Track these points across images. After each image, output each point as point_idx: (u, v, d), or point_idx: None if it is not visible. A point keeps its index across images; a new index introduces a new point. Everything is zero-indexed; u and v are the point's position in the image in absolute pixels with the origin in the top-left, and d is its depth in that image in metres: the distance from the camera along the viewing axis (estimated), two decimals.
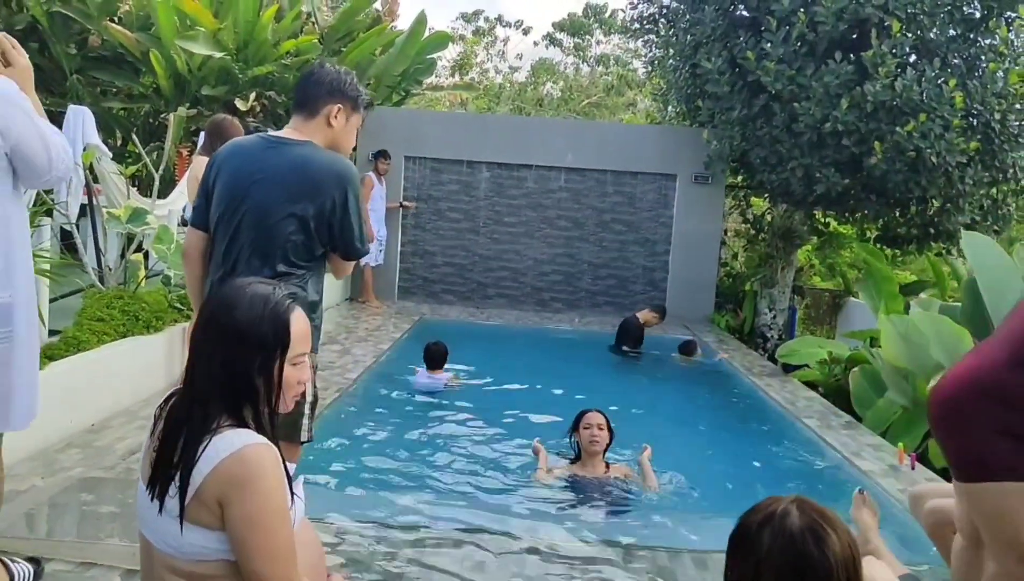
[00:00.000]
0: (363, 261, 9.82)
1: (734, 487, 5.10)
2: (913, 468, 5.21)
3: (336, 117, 2.85)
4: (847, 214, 11.06)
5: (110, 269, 6.28)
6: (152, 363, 5.65)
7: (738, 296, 12.16)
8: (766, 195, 12.59)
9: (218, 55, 10.08)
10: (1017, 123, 9.58)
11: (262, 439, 1.77)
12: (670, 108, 12.89)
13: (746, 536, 1.61)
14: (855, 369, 7.67)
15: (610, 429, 4.77)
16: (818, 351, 8.15)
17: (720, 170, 11.26)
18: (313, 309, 2.78)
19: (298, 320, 1.87)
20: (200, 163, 5.66)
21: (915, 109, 8.94)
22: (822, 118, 9.15)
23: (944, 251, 10.82)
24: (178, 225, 7.22)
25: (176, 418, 1.79)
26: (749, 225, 12.48)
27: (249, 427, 1.80)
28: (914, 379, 6.83)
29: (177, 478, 1.72)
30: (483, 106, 26.73)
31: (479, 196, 11.83)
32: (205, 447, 1.71)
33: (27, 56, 2.56)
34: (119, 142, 12.15)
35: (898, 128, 8.96)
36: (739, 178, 12.10)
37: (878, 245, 11.40)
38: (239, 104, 10.31)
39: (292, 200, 2.72)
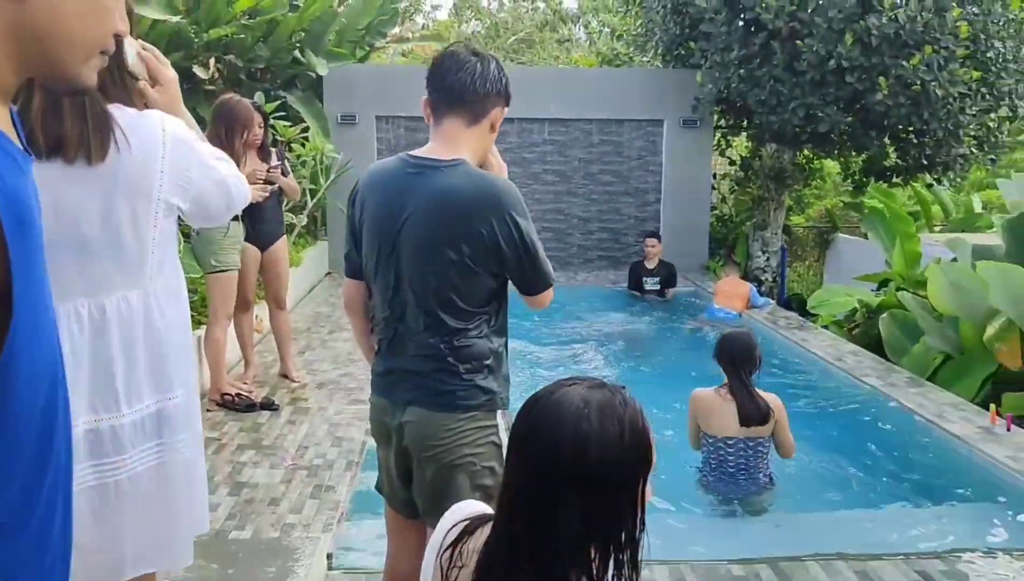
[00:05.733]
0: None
1: (823, 475, 4.77)
2: (1009, 429, 4.98)
3: (499, 122, 2.31)
4: (833, 150, 10.82)
5: None
6: None
7: (729, 240, 11.90)
8: (744, 135, 12.31)
9: (173, 19, 9.18)
10: (1015, 48, 9.41)
11: None
12: (651, 51, 12.37)
13: None
14: (884, 315, 7.46)
15: None
16: (847, 300, 7.91)
17: (708, 113, 10.86)
18: (499, 360, 2.28)
19: (648, 423, 1.40)
20: None
21: (919, 41, 8.66)
22: (826, 55, 8.79)
23: (936, 181, 10.71)
24: None
25: None
26: (736, 167, 12.17)
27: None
28: (959, 325, 6.63)
29: None
30: (419, 56, 25.70)
31: None
32: None
33: (170, 66, 2.00)
34: None
35: (903, 61, 8.67)
36: (720, 120, 11.75)
37: (864, 178, 11.24)
38: (199, 72, 9.44)
39: (446, 240, 2.15)
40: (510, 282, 2.30)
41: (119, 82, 1.87)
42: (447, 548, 1.44)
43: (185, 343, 2.02)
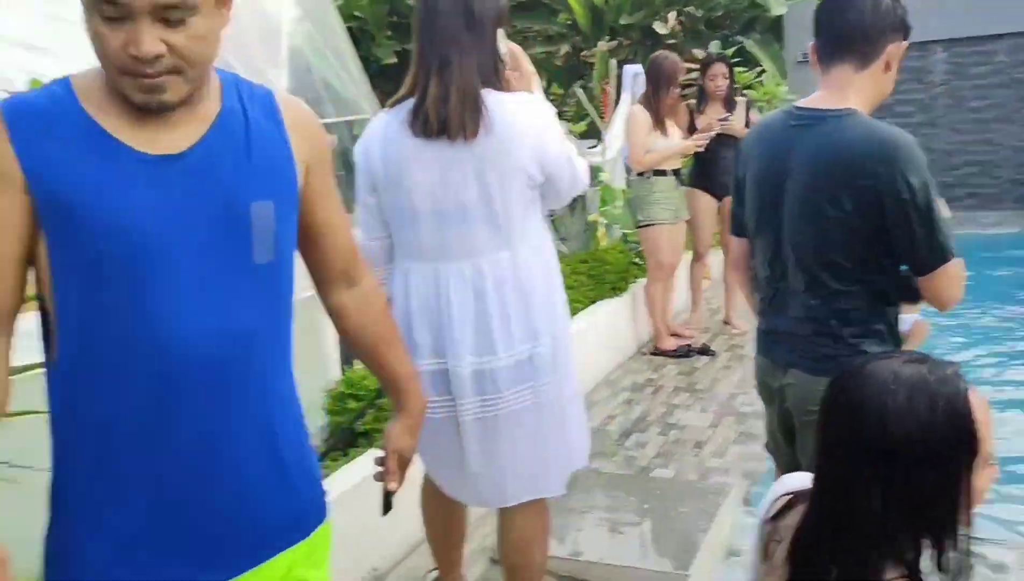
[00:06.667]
0: None
1: None
2: None
3: (897, 59, 2.11)
4: None
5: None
6: (621, 327, 5.51)
7: None
8: None
9: None
10: None
11: None
12: None
13: None
14: None
15: None
16: None
17: None
18: (890, 328, 2.16)
19: (981, 406, 1.30)
20: (634, 113, 5.31)
21: None
22: None
23: None
24: (624, 174, 6.91)
25: (821, 562, 1.35)
26: None
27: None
28: None
29: None
30: None
31: (934, 82, 10.15)
32: None
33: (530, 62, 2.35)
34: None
35: None
36: None
37: None
38: (658, 28, 9.84)
39: (827, 196, 2.04)
40: None
41: (494, 68, 2.17)
42: (768, 520, 1.50)
43: (550, 297, 2.27)
